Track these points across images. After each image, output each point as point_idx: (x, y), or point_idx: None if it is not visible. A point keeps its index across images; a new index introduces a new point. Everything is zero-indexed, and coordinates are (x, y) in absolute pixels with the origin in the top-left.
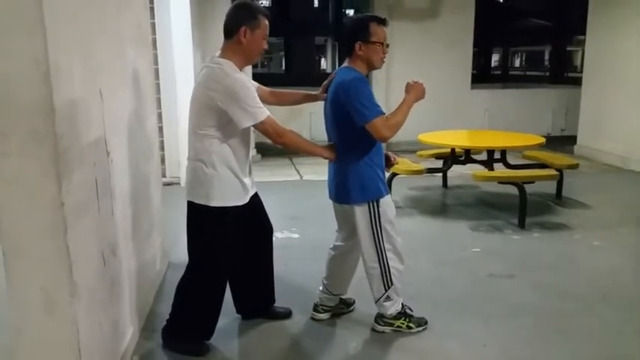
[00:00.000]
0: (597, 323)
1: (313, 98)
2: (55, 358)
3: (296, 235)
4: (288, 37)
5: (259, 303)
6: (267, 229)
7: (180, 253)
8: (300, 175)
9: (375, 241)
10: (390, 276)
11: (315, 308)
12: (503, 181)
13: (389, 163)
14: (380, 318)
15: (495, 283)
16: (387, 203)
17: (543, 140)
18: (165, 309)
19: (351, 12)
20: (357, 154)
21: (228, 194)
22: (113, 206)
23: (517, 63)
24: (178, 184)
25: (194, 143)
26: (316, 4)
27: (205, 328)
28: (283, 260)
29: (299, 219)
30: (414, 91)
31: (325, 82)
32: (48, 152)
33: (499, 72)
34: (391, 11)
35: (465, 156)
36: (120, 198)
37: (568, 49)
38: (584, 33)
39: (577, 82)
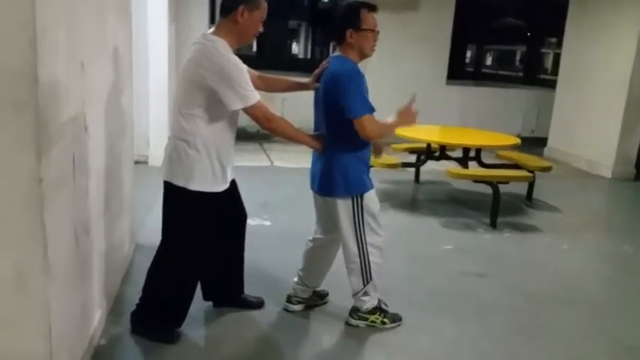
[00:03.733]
0: (565, 325)
1: (304, 87)
2: (25, 337)
3: (268, 223)
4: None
5: (227, 291)
6: (242, 217)
7: (148, 235)
8: (270, 160)
9: (356, 235)
10: (369, 271)
11: (289, 299)
12: (478, 180)
13: (377, 151)
14: (355, 312)
15: (467, 281)
16: (370, 198)
17: (519, 141)
18: (133, 292)
19: None
20: (345, 146)
21: (209, 179)
22: (88, 184)
23: (488, 61)
24: (146, 162)
25: (179, 122)
26: None
27: (176, 314)
28: (255, 248)
29: (270, 206)
30: (402, 118)
31: (317, 71)
32: (28, 124)
33: (471, 69)
34: (372, 0)
35: (439, 152)
36: (94, 175)
37: (541, 51)
38: (555, 35)
39: (548, 84)
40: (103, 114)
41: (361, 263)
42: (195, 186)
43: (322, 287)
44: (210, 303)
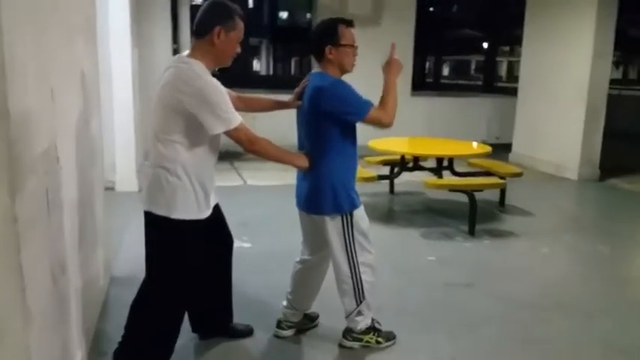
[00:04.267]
0: (557, 333)
1: (285, 105)
2: None
3: (247, 245)
4: None
5: (217, 321)
6: (228, 243)
7: (122, 267)
8: (243, 179)
9: (348, 254)
10: (362, 290)
11: (279, 325)
12: (454, 189)
13: None
14: (348, 333)
15: (454, 292)
16: (360, 215)
17: (490, 149)
18: (112, 329)
19: (285, 14)
20: (331, 162)
21: (192, 207)
22: (62, 218)
23: (445, 72)
24: (113, 189)
25: (158, 149)
26: (251, 4)
27: (163, 349)
28: (238, 272)
29: (248, 227)
30: (391, 70)
31: (297, 89)
32: (0, 160)
33: (430, 80)
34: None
35: (413, 163)
36: (68, 208)
37: (496, 59)
38: (508, 44)
39: (506, 91)
40: (74, 143)
41: (354, 283)
42: (179, 214)
43: (312, 309)
44: (194, 334)
